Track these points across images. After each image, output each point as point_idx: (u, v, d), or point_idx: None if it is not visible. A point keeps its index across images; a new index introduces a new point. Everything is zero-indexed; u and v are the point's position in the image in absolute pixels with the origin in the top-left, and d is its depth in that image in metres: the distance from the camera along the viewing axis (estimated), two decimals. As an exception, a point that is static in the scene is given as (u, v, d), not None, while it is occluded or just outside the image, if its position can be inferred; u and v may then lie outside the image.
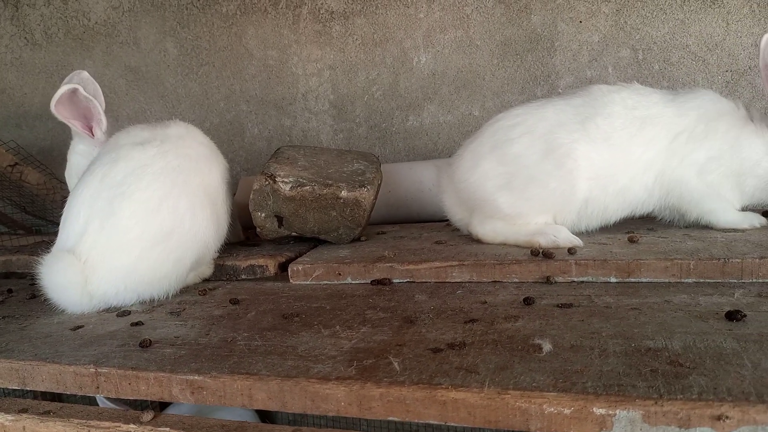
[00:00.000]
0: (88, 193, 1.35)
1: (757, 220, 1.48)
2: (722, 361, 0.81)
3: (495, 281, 1.32)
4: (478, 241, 1.57)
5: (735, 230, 1.46)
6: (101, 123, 1.63)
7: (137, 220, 1.32)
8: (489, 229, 1.54)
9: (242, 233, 1.94)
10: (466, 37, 2.35)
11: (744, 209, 1.53)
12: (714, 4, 2.08)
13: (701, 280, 1.19)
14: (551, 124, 1.47)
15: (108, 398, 1.74)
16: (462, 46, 2.36)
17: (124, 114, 2.87)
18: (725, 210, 1.49)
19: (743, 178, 1.47)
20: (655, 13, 2.14)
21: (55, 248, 1.36)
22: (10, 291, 1.63)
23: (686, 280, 1.20)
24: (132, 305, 1.36)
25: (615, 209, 1.50)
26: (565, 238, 1.41)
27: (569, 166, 1.43)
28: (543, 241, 1.41)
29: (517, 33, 2.29)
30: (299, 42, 2.57)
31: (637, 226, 1.61)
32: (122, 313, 1.29)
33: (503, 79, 2.33)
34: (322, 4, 2.51)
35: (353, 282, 1.41)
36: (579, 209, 1.48)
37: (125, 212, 1.31)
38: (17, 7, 2.92)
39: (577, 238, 1.42)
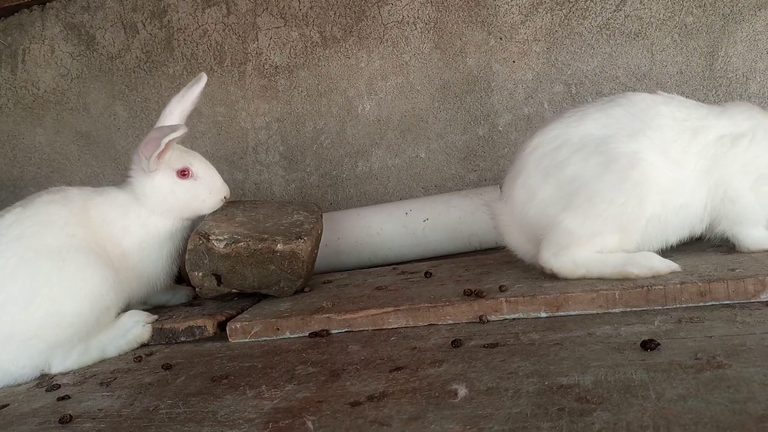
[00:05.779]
0: None
1: None
2: (628, 394, 0.82)
3: (430, 324, 1.32)
4: (553, 276, 1.37)
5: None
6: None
7: None
8: (567, 261, 1.36)
9: (192, 292, 1.92)
10: (407, 83, 2.41)
11: None
12: (638, 36, 2.17)
13: (627, 309, 1.21)
14: (601, 136, 1.37)
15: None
16: (403, 91, 2.42)
17: (77, 179, 2.86)
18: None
19: None
20: (583, 48, 2.22)
21: None
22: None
23: (613, 310, 1.22)
24: (54, 370, 1.38)
25: (674, 228, 1.38)
26: (659, 264, 1.28)
27: (635, 179, 1.31)
28: (637, 271, 1.27)
29: (455, 76, 2.35)
30: (246, 97, 2.61)
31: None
32: (51, 387, 1.26)
33: (445, 120, 2.38)
34: (266, 59, 2.56)
35: (291, 336, 1.40)
36: (642, 228, 1.35)
37: None
38: (-35, 81, 2.93)
39: (673, 261, 1.29)
